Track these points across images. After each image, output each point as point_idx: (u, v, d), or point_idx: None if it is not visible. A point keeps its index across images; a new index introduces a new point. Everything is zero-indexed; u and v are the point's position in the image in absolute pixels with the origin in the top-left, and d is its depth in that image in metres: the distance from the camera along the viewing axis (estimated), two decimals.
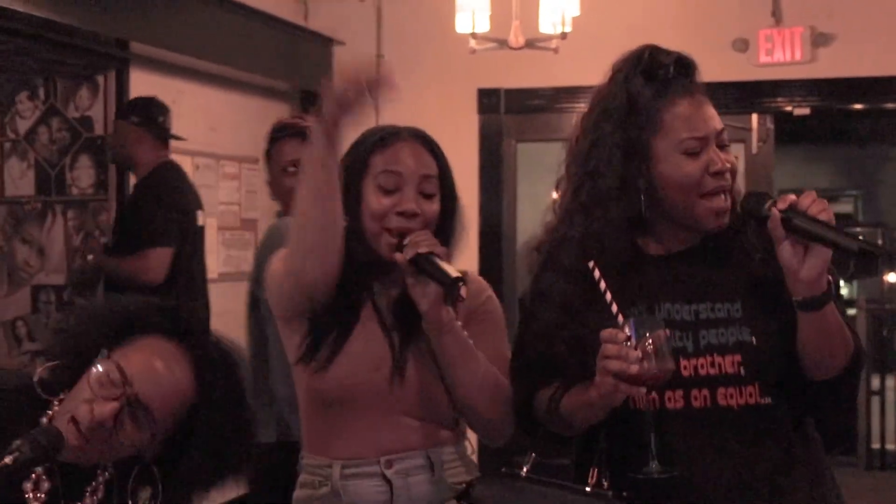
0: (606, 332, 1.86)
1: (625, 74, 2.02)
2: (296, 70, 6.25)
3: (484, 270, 6.40)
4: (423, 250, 2.03)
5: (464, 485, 2.15)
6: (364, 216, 2.14)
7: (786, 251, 1.85)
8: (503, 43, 4.78)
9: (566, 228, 2.04)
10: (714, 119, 2.00)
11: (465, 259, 6.99)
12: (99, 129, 5.08)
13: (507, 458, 2.13)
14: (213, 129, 5.71)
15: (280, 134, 3.80)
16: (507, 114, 6.40)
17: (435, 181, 2.18)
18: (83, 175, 5.12)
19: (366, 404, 2.14)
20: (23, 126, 5.23)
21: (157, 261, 4.58)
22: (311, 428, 2.22)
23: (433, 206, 2.16)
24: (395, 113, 7.03)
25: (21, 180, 5.23)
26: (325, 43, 6.49)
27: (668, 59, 2.01)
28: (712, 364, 1.94)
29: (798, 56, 5.94)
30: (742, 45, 6.01)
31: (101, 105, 5.07)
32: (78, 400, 1.73)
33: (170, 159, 4.90)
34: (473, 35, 4.71)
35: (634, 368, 1.82)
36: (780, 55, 5.97)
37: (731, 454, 1.94)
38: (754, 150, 6.14)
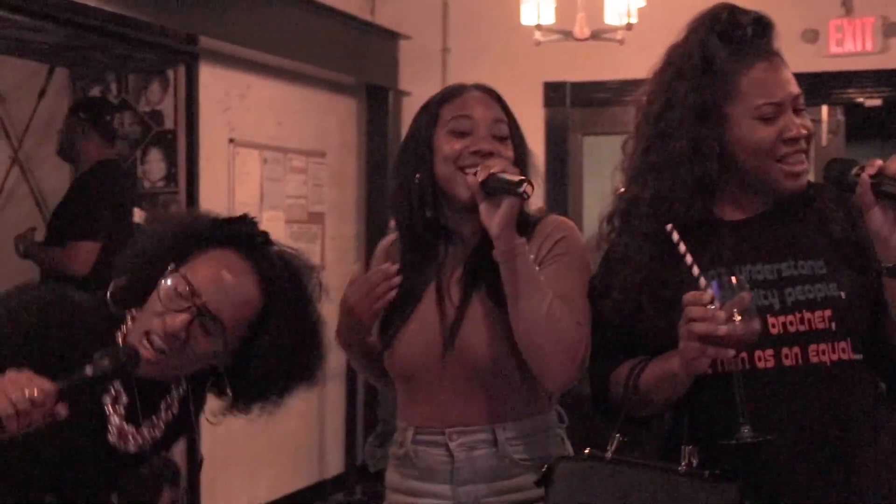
0: (690, 295, 1.82)
1: (701, 34, 1.99)
2: (362, 64, 6.30)
3: None
4: (494, 170, 2.04)
5: (529, 461, 2.15)
6: (438, 164, 2.16)
7: (876, 217, 1.80)
8: (568, 34, 4.76)
9: (637, 190, 2.01)
10: (790, 83, 1.97)
11: None
12: (169, 123, 5.14)
13: (595, 440, 2.06)
14: (280, 123, 5.77)
15: None
16: (573, 107, 6.38)
17: (505, 126, 2.20)
18: (154, 168, 5.18)
19: (427, 379, 2.19)
20: None
21: (84, 254, 4.69)
22: (398, 392, 2.30)
23: (507, 150, 2.18)
24: None
25: None
26: (392, 37, 6.52)
27: (746, 19, 1.98)
28: (801, 320, 1.90)
29: (869, 46, 5.85)
30: (812, 36, 5.92)
31: (172, 99, 5.13)
32: (150, 314, 1.80)
33: (112, 157, 5.00)
34: (538, 27, 4.70)
35: (723, 329, 1.78)
36: (851, 45, 5.88)
37: (825, 412, 1.89)
38: (824, 142, 6.05)
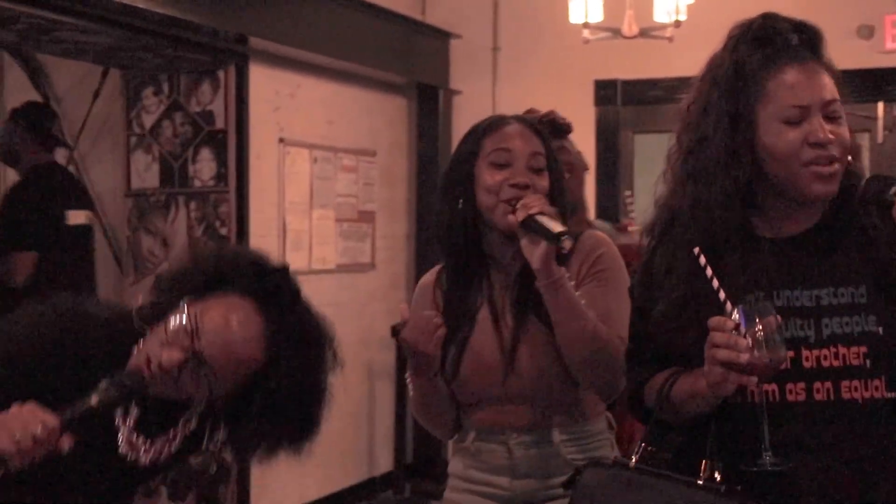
0: (714, 320, 1.80)
1: (735, 41, 1.95)
2: (412, 63, 6.31)
3: None
4: (533, 211, 2.21)
5: (580, 461, 2.28)
6: (479, 194, 2.33)
7: None
8: (616, 32, 4.74)
9: (676, 200, 1.98)
10: (823, 89, 1.90)
11: None
12: (220, 123, 5.19)
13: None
14: (330, 122, 5.80)
15: None
16: (624, 105, 6.34)
17: (542, 158, 2.36)
18: (204, 168, 5.22)
19: (489, 395, 2.37)
20: (148, 121, 5.35)
21: (21, 265, 4.68)
22: (458, 397, 2.46)
23: (543, 181, 2.34)
24: (511, 105, 7.05)
25: (146, 173, 5.35)
26: (442, 36, 6.53)
27: (785, 26, 1.94)
28: (836, 355, 1.84)
29: None
30: (867, 32, 5.84)
31: (222, 99, 5.16)
32: (155, 340, 1.80)
33: (50, 162, 5.03)
34: (586, 25, 4.68)
35: (744, 357, 1.75)
36: None
37: (853, 449, 1.84)
38: (880, 139, 5.97)
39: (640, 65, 6.07)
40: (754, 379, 1.78)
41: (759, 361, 1.75)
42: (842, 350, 1.85)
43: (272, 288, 1.86)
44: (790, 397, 1.86)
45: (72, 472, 1.83)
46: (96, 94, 5.52)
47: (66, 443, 1.67)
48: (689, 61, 6.16)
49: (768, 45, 1.93)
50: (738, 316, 1.77)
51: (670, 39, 4.78)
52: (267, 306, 1.84)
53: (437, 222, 2.41)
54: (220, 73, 5.16)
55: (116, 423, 1.86)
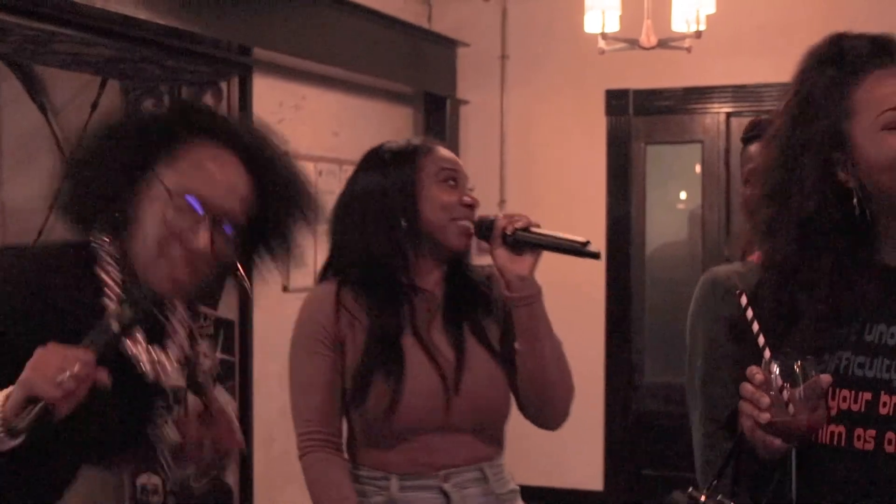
0: (749, 370, 1.66)
1: (808, 65, 1.80)
2: (419, 73, 6.18)
3: (611, 274, 6.23)
4: (520, 225, 2.25)
5: (506, 494, 2.33)
6: (428, 212, 2.31)
7: None
8: (634, 43, 4.59)
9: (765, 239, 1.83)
10: None
11: (591, 266, 6.75)
12: None
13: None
14: (335, 133, 5.67)
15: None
16: (636, 115, 6.21)
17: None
18: None
19: (429, 425, 2.28)
20: None
21: None
22: (362, 443, 2.33)
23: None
24: (520, 115, 6.97)
25: None
26: (449, 45, 6.41)
27: (857, 43, 1.78)
28: None
29: None
30: None
31: (225, 111, 5.00)
32: (157, 242, 1.75)
33: None
34: (603, 35, 4.53)
35: (764, 417, 1.62)
36: None
37: None
38: None
39: (653, 74, 5.95)
40: (777, 441, 1.63)
41: (781, 421, 1.61)
42: None
43: (209, 123, 1.85)
44: (857, 444, 1.70)
45: (106, 404, 1.74)
46: (94, 106, 5.37)
47: (104, 376, 1.60)
48: (702, 71, 6.02)
49: (841, 63, 1.76)
50: (774, 369, 1.63)
51: (689, 50, 4.63)
52: (216, 137, 1.83)
53: (358, 248, 2.31)
54: (223, 85, 5.03)
55: (130, 351, 1.80)
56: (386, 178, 2.32)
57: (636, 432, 6.17)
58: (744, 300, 1.72)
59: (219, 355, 5.10)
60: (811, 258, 1.76)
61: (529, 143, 6.45)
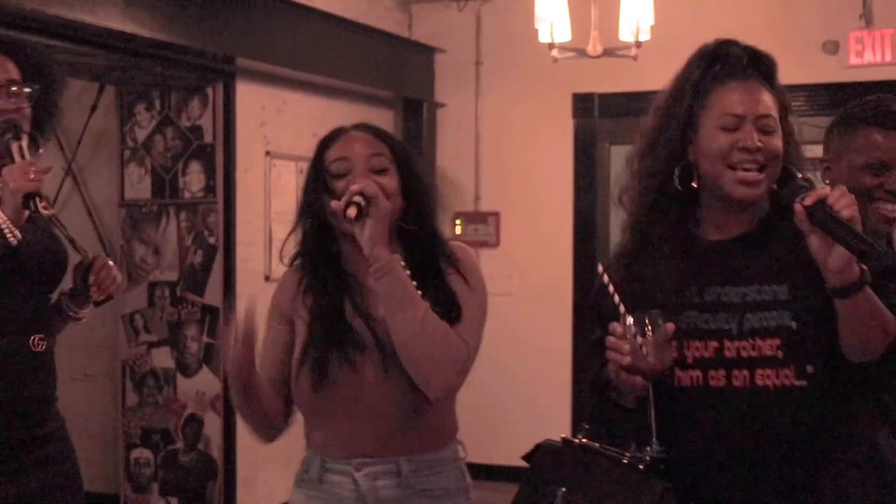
0: (611, 325, 2.05)
1: (691, 60, 2.19)
2: (399, 78, 6.52)
3: (577, 267, 6.60)
4: (353, 188, 2.18)
5: (432, 491, 2.30)
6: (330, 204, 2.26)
7: (813, 243, 1.95)
8: (583, 52, 4.96)
9: (629, 205, 2.22)
10: (760, 103, 2.10)
11: (559, 257, 7.07)
12: (208, 138, 5.41)
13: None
14: (315, 135, 5.90)
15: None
16: (600, 118, 6.57)
17: (385, 158, 2.30)
18: (194, 180, 5.45)
19: (337, 411, 2.27)
20: (141, 135, 5.58)
21: None
22: (305, 424, 2.37)
23: (389, 181, 2.27)
24: (493, 118, 7.29)
25: (139, 185, 5.58)
26: (427, 51, 6.74)
27: (736, 50, 2.17)
28: (753, 347, 2.06)
29: (889, 57, 5.95)
30: (832, 48, 6.04)
31: (211, 115, 5.39)
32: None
33: None
34: (551, 45, 4.90)
35: (626, 360, 2.00)
36: (871, 57, 5.99)
37: (769, 433, 2.06)
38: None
39: (616, 79, 6.25)
40: (638, 379, 2.02)
41: (637, 363, 2.00)
42: (758, 342, 2.06)
43: None
44: (712, 383, 2.08)
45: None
46: (93, 108, 5.71)
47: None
48: (658, 76, 6.46)
49: (718, 63, 2.15)
50: (629, 322, 2.02)
51: (635, 58, 5.00)
52: None
53: (302, 238, 2.35)
54: (209, 90, 5.37)
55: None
56: (307, 175, 2.40)
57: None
58: (600, 268, 2.14)
59: (205, 339, 5.47)
60: (656, 232, 2.16)
61: (502, 143, 6.82)
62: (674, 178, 2.12)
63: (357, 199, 2.17)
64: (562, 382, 6.64)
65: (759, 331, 2.07)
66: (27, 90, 2.54)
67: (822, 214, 1.94)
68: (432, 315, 2.20)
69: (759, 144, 2.07)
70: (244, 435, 5.40)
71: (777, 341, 2.06)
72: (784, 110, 2.15)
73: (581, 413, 6.57)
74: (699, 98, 2.13)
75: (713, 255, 2.15)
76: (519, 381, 6.56)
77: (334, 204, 2.21)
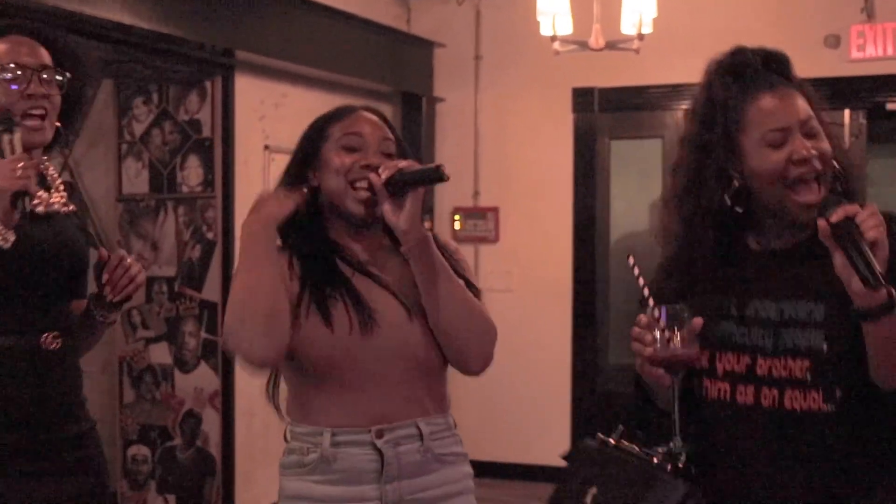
0: (638, 317, 2.01)
1: (709, 76, 2.11)
2: (398, 72, 6.50)
3: (577, 262, 6.58)
4: (391, 172, 2.17)
5: (447, 456, 2.28)
6: (328, 178, 2.26)
7: (837, 261, 1.86)
8: (584, 45, 4.93)
9: (664, 226, 2.17)
10: (798, 109, 2.02)
11: (559, 253, 7.05)
12: (206, 132, 5.38)
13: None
14: None
15: None
16: (600, 112, 6.55)
17: (392, 144, 2.31)
18: (192, 174, 5.42)
19: (350, 375, 2.20)
20: (138, 129, 5.55)
21: None
22: (296, 397, 2.28)
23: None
24: (492, 112, 7.27)
25: (137, 179, 5.55)
26: (426, 46, 6.73)
27: (751, 57, 2.09)
28: (784, 367, 2.01)
29: (890, 51, 5.96)
30: (834, 41, 6.03)
31: (209, 109, 5.36)
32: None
33: None
34: (554, 38, 4.88)
35: (649, 351, 1.97)
36: (873, 51, 5.98)
37: (793, 454, 2.00)
38: (847, 145, 6.16)
39: (616, 73, 6.27)
40: (660, 370, 1.98)
41: (658, 355, 1.96)
42: (790, 362, 2.00)
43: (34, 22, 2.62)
44: (739, 399, 2.04)
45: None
46: (91, 101, 5.68)
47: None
48: (659, 70, 6.43)
49: (740, 76, 2.08)
50: (657, 315, 1.97)
51: (637, 51, 4.98)
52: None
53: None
54: (208, 84, 5.34)
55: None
56: (298, 147, 2.39)
57: (601, 411, 6.52)
58: (631, 260, 2.09)
59: (203, 335, 5.43)
60: (699, 242, 2.10)
61: (501, 138, 6.80)
62: (725, 202, 2.06)
63: (436, 166, 2.17)
64: (561, 378, 6.61)
65: (791, 350, 2.01)
66: (59, 77, 2.46)
67: (843, 233, 1.85)
68: (468, 292, 2.25)
69: (814, 152, 2.00)
70: (242, 431, 5.43)
71: (807, 363, 2.00)
72: (813, 104, 2.08)
73: (579, 409, 6.55)
74: (733, 119, 2.06)
75: (755, 266, 2.09)
76: (518, 377, 6.53)
77: (373, 177, 2.19)
